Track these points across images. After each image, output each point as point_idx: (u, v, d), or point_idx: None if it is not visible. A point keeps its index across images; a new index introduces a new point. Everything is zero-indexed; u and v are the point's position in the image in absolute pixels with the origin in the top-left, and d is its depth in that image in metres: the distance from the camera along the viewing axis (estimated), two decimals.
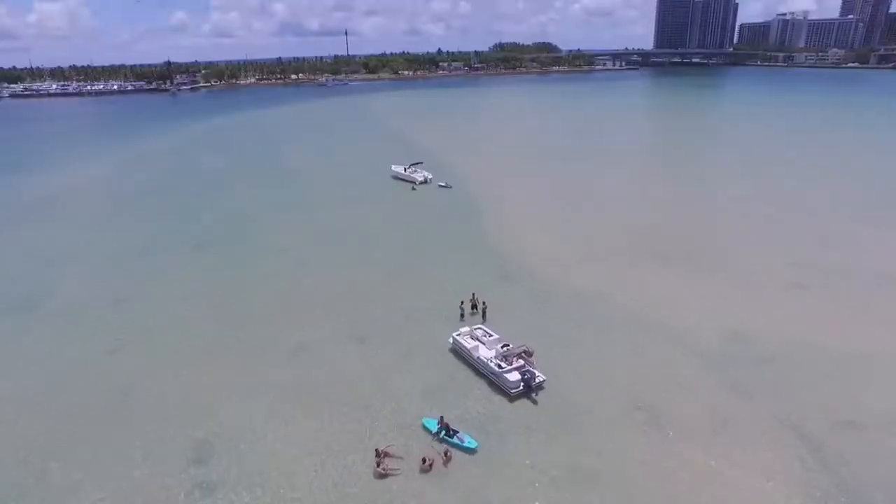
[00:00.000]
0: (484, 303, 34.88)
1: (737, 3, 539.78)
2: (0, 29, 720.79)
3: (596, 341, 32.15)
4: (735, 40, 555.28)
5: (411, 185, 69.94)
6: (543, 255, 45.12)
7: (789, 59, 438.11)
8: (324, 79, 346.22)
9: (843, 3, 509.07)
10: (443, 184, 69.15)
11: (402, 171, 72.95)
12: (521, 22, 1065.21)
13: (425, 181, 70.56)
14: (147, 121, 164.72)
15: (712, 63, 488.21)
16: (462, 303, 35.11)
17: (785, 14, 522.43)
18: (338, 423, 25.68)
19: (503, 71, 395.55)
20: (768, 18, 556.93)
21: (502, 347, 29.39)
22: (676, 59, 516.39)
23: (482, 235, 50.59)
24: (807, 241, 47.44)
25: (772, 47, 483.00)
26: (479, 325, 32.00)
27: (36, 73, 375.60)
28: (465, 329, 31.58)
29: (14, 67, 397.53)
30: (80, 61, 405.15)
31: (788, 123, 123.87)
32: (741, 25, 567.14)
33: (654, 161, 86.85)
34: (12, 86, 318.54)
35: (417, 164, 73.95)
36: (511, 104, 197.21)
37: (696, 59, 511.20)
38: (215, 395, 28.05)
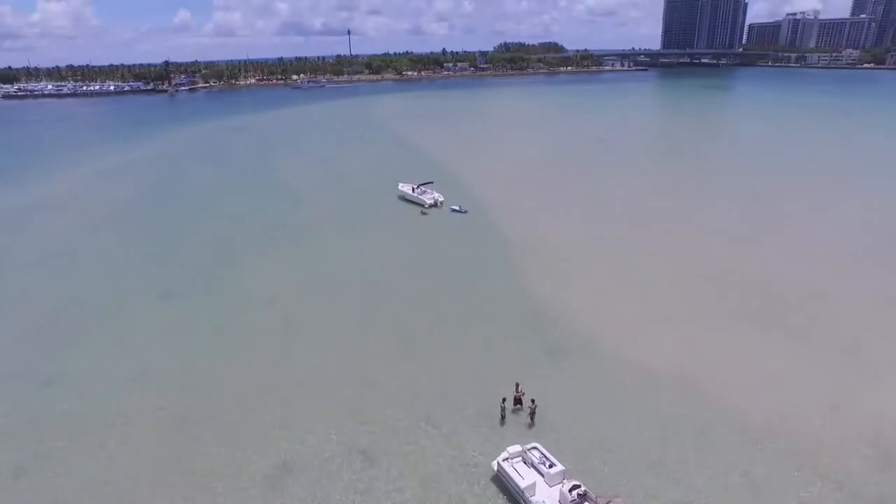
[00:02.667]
0: (533, 401, 25.61)
1: (746, 3, 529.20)
2: (4, 29, 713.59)
3: (698, 465, 22.92)
4: (744, 40, 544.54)
5: (420, 208, 60.71)
6: (596, 314, 35.82)
7: (802, 60, 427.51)
8: (299, 81, 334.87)
9: (854, 2, 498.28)
10: (456, 207, 59.84)
11: (410, 192, 63.67)
12: (524, 21, 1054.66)
13: (436, 204, 61.26)
14: (137, 125, 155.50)
15: (722, 64, 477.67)
16: (504, 400, 25.88)
17: (795, 14, 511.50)
18: None
19: (509, 71, 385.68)
20: (776, 18, 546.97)
21: (571, 490, 20.22)
22: (685, 60, 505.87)
23: (513, 283, 41.19)
24: None
25: (782, 48, 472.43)
26: (535, 445, 22.75)
27: (32, 73, 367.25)
28: (515, 449, 22.37)
29: (10, 67, 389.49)
30: (83, 61, 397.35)
31: (843, 131, 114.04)
32: (750, 25, 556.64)
33: (704, 177, 76.11)
34: (5, 86, 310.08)
35: (427, 183, 64.57)
36: (523, 107, 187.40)
37: (705, 60, 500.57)
38: None
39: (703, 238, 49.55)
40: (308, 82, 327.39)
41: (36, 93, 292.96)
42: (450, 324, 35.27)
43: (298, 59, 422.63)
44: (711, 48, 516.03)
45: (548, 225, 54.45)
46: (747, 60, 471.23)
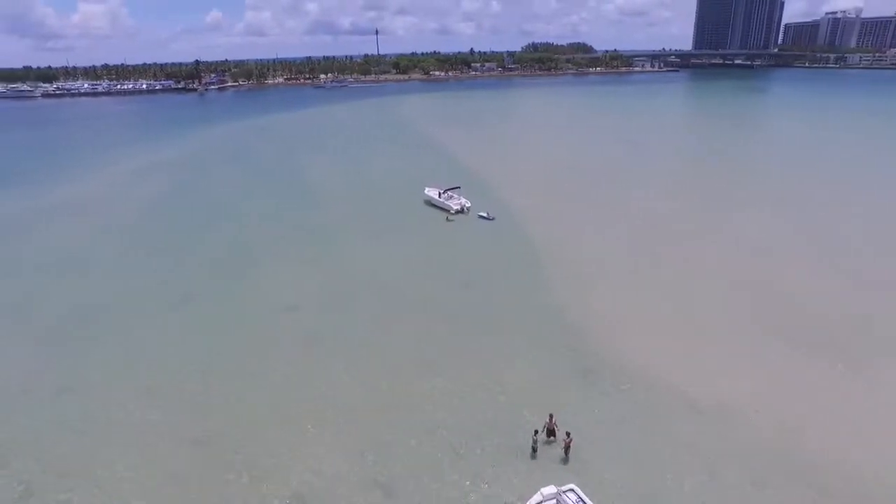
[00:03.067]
0: (569, 434, 23.47)
1: (783, 2, 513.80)
2: (47, 29, 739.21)
3: None
4: (779, 41, 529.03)
5: (446, 213, 58.83)
6: (632, 333, 33.42)
7: (841, 60, 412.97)
8: (323, 81, 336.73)
9: None
10: (483, 214, 57.75)
11: (437, 197, 61.81)
12: (553, 21, 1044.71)
13: (462, 210, 59.29)
14: (167, 124, 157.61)
15: (756, 65, 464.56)
16: (536, 432, 23.80)
17: (835, 12, 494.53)
18: None
19: (537, 71, 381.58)
20: (813, 18, 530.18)
21: None
22: (717, 61, 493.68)
23: (543, 296, 38.98)
24: None
25: (820, 48, 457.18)
26: (571, 487, 20.62)
27: (70, 73, 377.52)
28: (550, 491, 20.26)
29: (50, 67, 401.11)
30: (119, 60, 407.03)
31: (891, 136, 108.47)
32: (786, 25, 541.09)
33: (741, 184, 71.98)
34: (44, 85, 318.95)
35: (454, 188, 62.62)
36: (552, 108, 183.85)
37: (738, 61, 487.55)
38: None
39: (744, 250, 46.51)
40: (332, 82, 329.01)
41: (73, 91, 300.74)
42: (476, 340, 33.26)
43: (326, 58, 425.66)
44: (745, 49, 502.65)
45: (579, 234, 52.01)
46: (782, 61, 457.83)
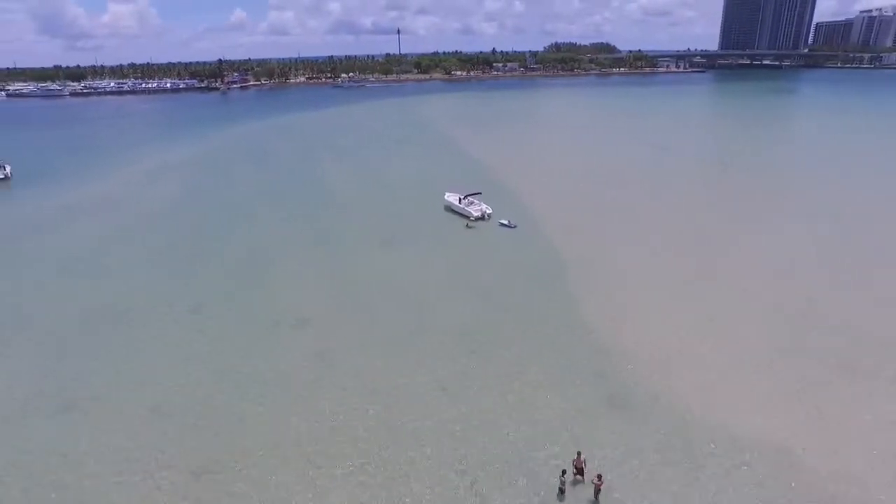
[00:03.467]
0: (600, 477, 21.36)
1: (814, 0, 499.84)
2: (78, 29, 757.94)
3: None
4: (810, 40, 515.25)
5: (466, 220, 56.90)
6: (666, 358, 31.04)
7: (877, 60, 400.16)
8: (340, 80, 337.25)
9: None
10: (505, 222, 55.65)
11: (457, 203, 59.89)
12: (575, 21, 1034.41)
13: (483, 217, 57.28)
14: (187, 123, 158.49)
15: (786, 65, 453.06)
16: (563, 472, 21.76)
17: (870, 10, 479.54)
18: None
19: (560, 72, 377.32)
20: (846, 17, 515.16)
21: None
22: (744, 62, 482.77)
23: (569, 314, 36.74)
24: None
25: (853, 47, 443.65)
26: None
27: (98, 72, 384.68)
28: None
29: (78, 66, 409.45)
30: (145, 59, 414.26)
31: None
32: (817, 24, 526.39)
33: (782, 194, 67.63)
34: (73, 84, 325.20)
35: (475, 194, 60.63)
36: (576, 110, 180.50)
37: (766, 61, 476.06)
38: None
39: (787, 268, 43.61)
40: (349, 81, 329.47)
41: (99, 90, 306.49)
42: (497, 362, 31.23)
43: (348, 57, 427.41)
44: (774, 49, 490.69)
45: (607, 246, 49.51)
46: (813, 62, 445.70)
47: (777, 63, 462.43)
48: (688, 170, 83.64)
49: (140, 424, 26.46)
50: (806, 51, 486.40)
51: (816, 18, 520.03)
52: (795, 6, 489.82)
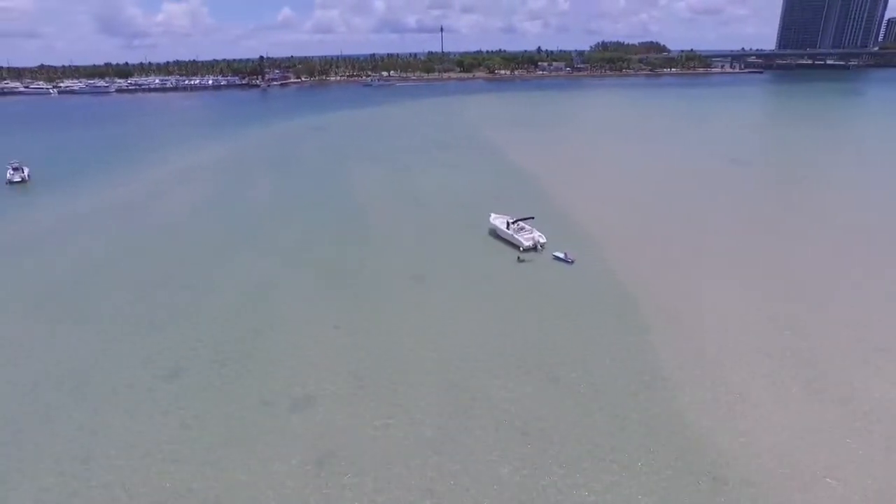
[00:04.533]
0: None
1: None
2: (134, 28, 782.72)
3: None
4: (880, 38, 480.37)
5: (515, 251, 47.64)
6: (792, 460, 21.23)
7: None
8: (369, 79, 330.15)
9: None
10: (560, 255, 46.01)
11: (504, 228, 50.57)
12: (621, 20, 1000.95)
13: (535, 247, 47.85)
14: (223, 121, 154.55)
15: (852, 65, 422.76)
16: None
17: None
18: None
19: (607, 72, 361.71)
20: None
21: None
22: (806, 61, 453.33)
23: (649, 386, 27.12)
24: None
25: None
26: None
27: (145, 69, 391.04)
28: None
29: (127, 63, 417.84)
30: (195, 57, 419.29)
31: None
32: (889, 20, 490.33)
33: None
34: (119, 81, 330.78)
35: (527, 219, 51.14)
36: (632, 114, 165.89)
37: (830, 61, 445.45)
38: None
39: None
40: (378, 80, 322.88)
41: (144, 87, 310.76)
42: (569, 472, 22.10)
43: (390, 55, 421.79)
44: (839, 47, 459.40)
45: (691, 292, 39.44)
46: (884, 61, 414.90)
47: (843, 63, 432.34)
48: (773, 191, 71.80)
49: None
50: (876, 49, 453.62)
51: (889, 14, 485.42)
52: (865, 2, 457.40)
